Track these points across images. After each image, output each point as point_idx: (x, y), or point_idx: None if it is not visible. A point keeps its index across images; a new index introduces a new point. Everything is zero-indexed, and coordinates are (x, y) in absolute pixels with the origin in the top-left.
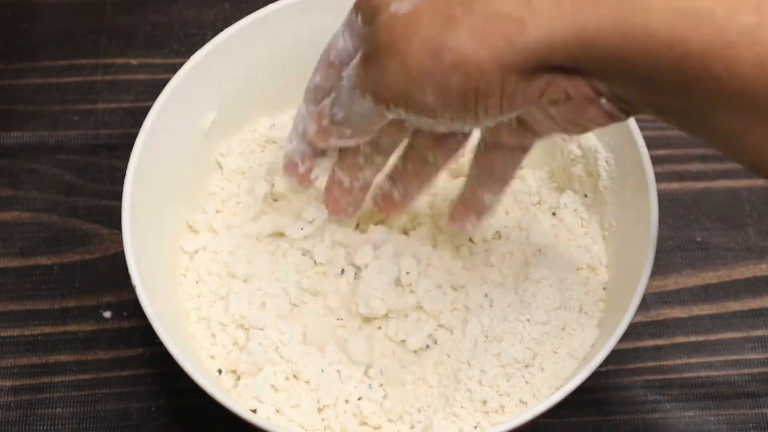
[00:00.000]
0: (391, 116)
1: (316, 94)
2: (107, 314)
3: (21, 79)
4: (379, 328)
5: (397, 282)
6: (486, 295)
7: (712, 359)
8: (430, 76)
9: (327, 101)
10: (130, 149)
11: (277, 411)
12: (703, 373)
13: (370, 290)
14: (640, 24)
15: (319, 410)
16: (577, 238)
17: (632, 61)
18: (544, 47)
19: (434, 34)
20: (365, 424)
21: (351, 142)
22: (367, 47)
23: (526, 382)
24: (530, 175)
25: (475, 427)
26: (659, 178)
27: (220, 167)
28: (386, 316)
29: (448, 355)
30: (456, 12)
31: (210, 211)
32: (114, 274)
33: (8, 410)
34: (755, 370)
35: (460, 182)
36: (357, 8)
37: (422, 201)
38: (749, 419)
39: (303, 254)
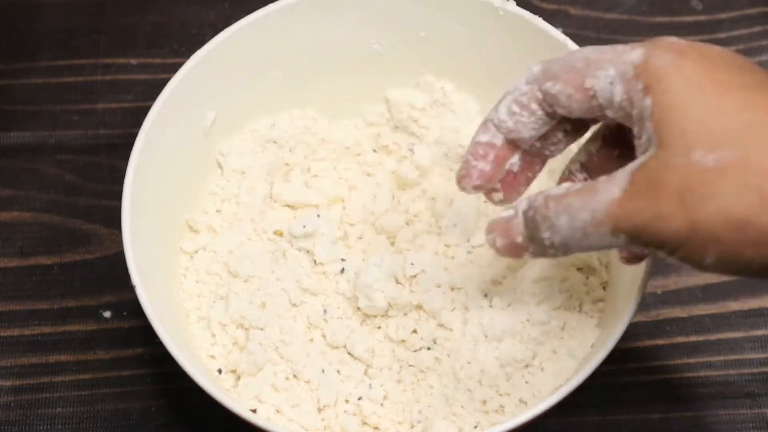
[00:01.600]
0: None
1: (551, 98)
2: (107, 314)
3: (21, 79)
4: (379, 327)
5: (397, 279)
6: (486, 295)
7: (712, 359)
8: (720, 243)
9: (534, 216)
10: (130, 149)
11: (277, 411)
12: (702, 373)
13: (371, 281)
14: None
15: (319, 410)
16: None
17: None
18: None
19: (739, 204)
20: (365, 423)
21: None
22: (644, 180)
23: (526, 382)
24: None
25: (475, 427)
26: None
27: (220, 167)
28: (386, 315)
29: (448, 355)
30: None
31: (210, 210)
32: (114, 273)
33: (8, 410)
34: (755, 370)
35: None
36: (649, 89)
37: (421, 205)
38: (749, 419)
39: (303, 254)
